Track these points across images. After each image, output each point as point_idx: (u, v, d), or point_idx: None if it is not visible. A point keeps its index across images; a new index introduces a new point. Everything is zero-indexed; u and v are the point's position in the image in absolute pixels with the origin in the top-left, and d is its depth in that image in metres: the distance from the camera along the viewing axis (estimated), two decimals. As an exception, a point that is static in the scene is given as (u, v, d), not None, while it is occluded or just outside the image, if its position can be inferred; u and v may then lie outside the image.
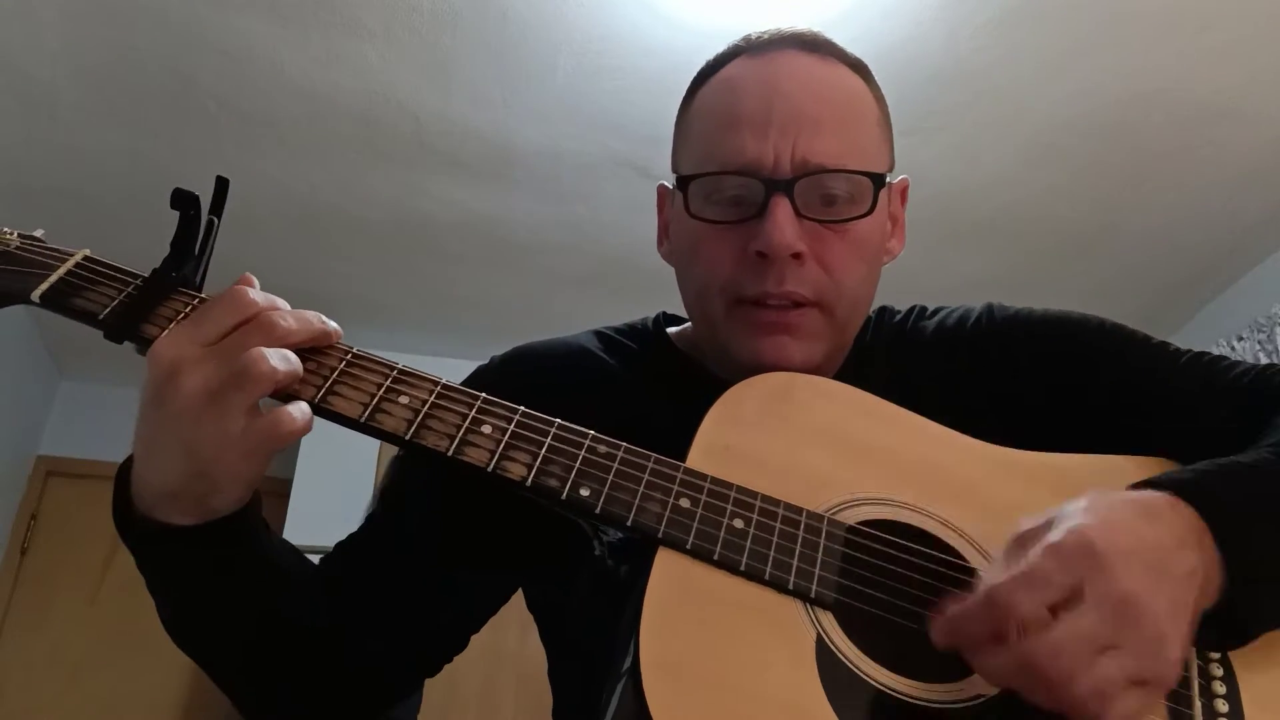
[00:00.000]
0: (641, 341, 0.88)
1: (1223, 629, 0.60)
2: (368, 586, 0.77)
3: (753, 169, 0.74)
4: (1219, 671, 0.62)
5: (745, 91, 0.77)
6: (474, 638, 0.84)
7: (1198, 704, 0.60)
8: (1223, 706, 0.60)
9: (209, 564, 0.66)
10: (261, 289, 0.66)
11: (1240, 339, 3.21)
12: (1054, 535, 0.55)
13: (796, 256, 0.73)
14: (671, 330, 0.90)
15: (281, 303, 0.65)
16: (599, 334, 0.89)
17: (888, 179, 0.79)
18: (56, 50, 2.48)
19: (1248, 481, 0.64)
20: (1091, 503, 0.57)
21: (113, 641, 3.74)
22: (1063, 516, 0.57)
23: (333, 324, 0.67)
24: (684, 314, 0.89)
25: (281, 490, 3.65)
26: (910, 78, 2.52)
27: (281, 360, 0.61)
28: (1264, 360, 3.07)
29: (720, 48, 0.86)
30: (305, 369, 0.64)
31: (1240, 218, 3.06)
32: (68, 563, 3.86)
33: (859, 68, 0.82)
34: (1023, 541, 0.56)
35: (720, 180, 0.75)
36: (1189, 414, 0.76)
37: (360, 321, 3.78)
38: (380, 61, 2.52)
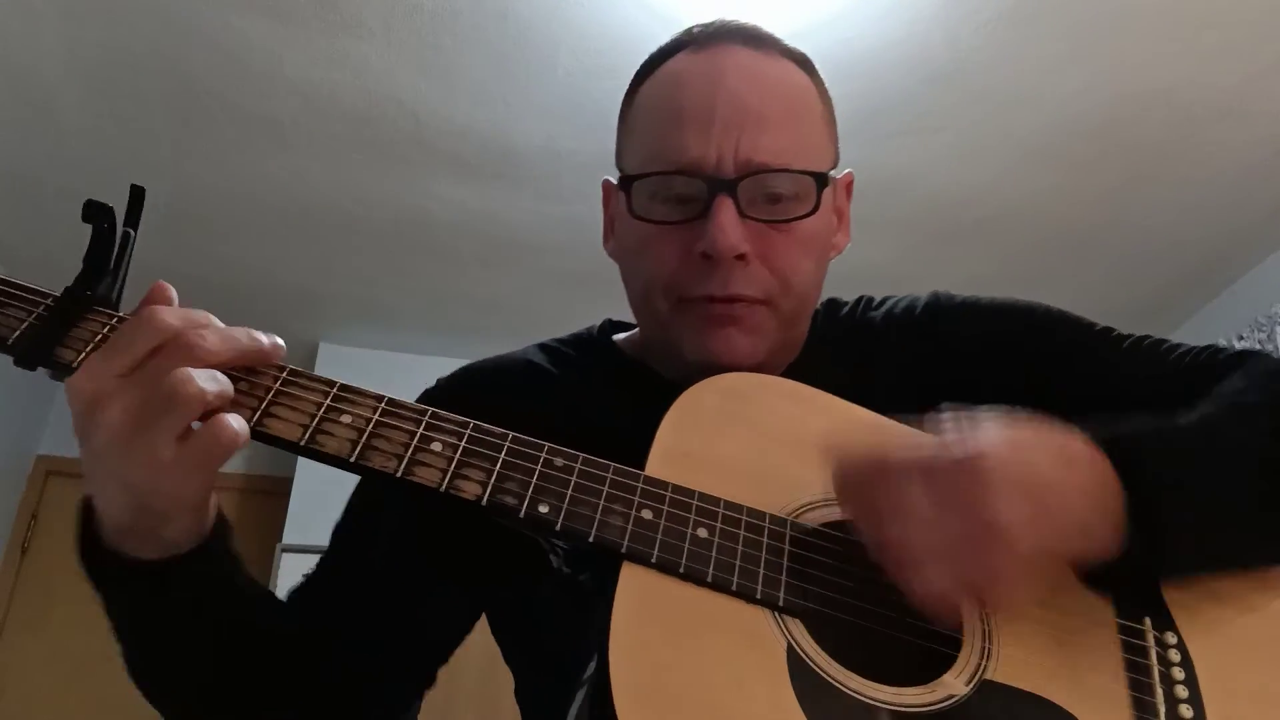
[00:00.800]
0: (587, 350, 0.88)
1: (1116, 578, 0.63)
2: (333, 609, 0.76)
3: (695, 168, 0.73)
4: (1176, 658, 0.63)
5: (689, 87, 0.76)
6: (473, 639, 0.83)
7: (1159, 690, 0.61)
8: (1182, 692, 0.61)
9: (171, 607, 0.64)
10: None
11: (1240, 338, 3.22)
12: (966, 442, 0.57)
13: (742, 258, 0.72)
14: (618, 336, 0.89)
15: (203, 317, 0.60)
16: (543, 347, 0.88)
17: (831, 175, 0.79)
18: (56, 50, 2.48)
19: (1172, 444, 0.65)
20: (1013, 433, 0.59)
21: (112, 642, 3.74)
22: (985, 429, 0.59)
23: (269, 339, 0.61)
24: (631, 318, 0.89)
25: (281, 490, 3.65)
26: (910, 78, 2.52)
27: (210, 380, 0.56)
28: (1264, 360, 3.07)
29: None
30: (237, 390, 0.59)
31: (1240, 217, 3.07)
32: (68, 563, 3.74)
33: (804, 63, 0.81)
34: (949, 430, 0.59)
35: (665, 180, 0.74)
36: (1137, 399, 0.76)
37: (360, 321, 3.79)
38: (380, 61, 2.53)
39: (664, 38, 0.86)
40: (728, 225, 0.71)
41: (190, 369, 0.56)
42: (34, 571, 3.84)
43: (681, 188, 0.74)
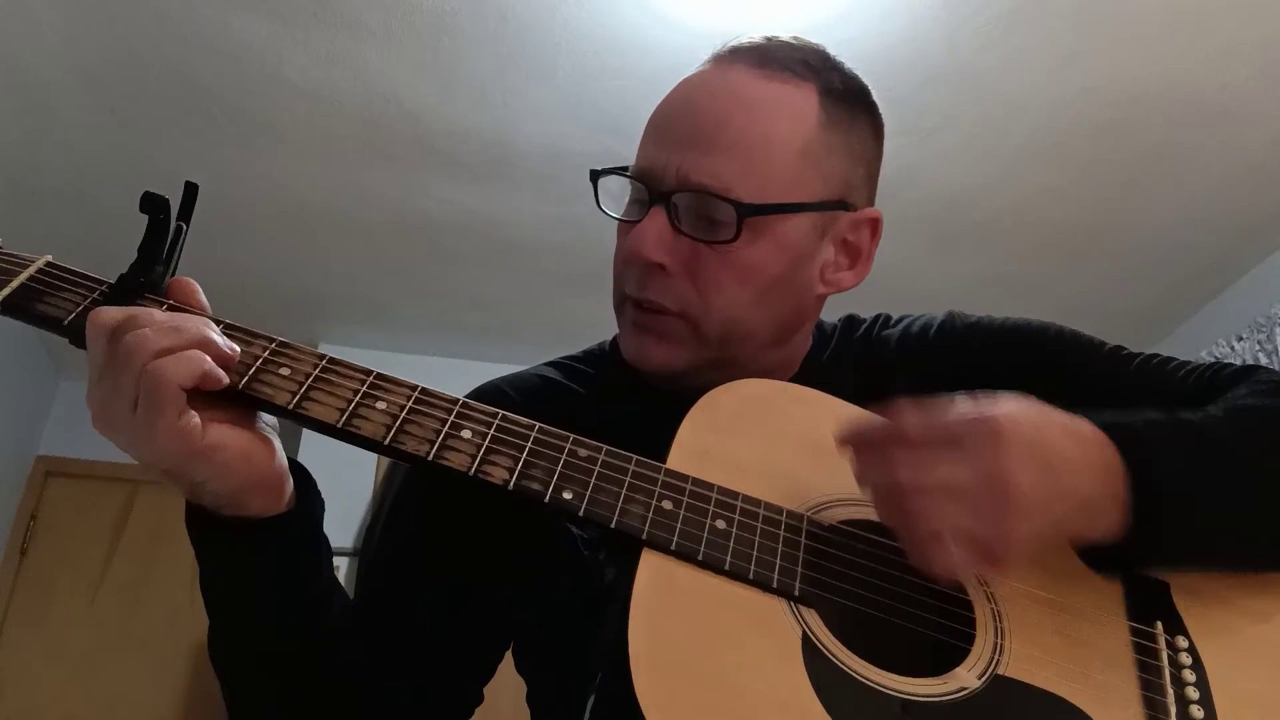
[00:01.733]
0: (598, 364, 0.89)
1: (1109, 562, 0.66)
2: (385, 639, 0.75)
3: (644, 175, 0.77)
4: (1188, 660, 0.64)
5: (669, 100, 0.80)
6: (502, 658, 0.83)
7: (1170, 691, 0.62)
8: (1193, 694, 0.62)
9: (259, 566, 0.65)
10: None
11: (1240, 339, 3.22)
12: (980, 407, 0.61)
13: (661, 267, 0.75)
14: None
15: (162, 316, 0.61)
16: (555, 364, 0.90)
17: (840, 209, 0.78)
18: (56, 50, 2.48)
19: (1179, 438, 0.67)
20: (1029, 406, 0.62)
21: (113, 641, 3.74)
22: (1000, 401, 0.61)
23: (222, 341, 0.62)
24: None
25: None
26: (910, 78, 2.52)
27: (158, 335, 0.58)
28: (1263, 360, 3.07)
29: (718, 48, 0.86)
30: (278, 374, 0.63)
31: (1240, 217, 3.07)
32: (67, 563, 3.87)
33: (829, 91, 0.79)
34: (963, 403, 0.61)
35: (618, 179, 0.80)
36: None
37: (360, 321, 3.79)
38: (380, 61, 2.53)
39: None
40: (647, 233, 0.75)
41: (161, 360, 0.58)
42: (34, 571, 3.85)
43: (635, 192, 0.79)
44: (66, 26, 2.41)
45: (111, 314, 0.60)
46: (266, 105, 2.67)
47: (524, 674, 0.84)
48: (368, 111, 2.69)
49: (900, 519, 0.59)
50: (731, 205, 0.74)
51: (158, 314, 0.60)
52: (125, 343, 0.58)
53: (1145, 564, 0.67)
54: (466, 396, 0.85)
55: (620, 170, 0.79)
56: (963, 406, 0.61)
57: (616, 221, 0.81)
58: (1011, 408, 0.61)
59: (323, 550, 0.70)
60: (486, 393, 0.85)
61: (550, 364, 0.90)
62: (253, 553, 0.65)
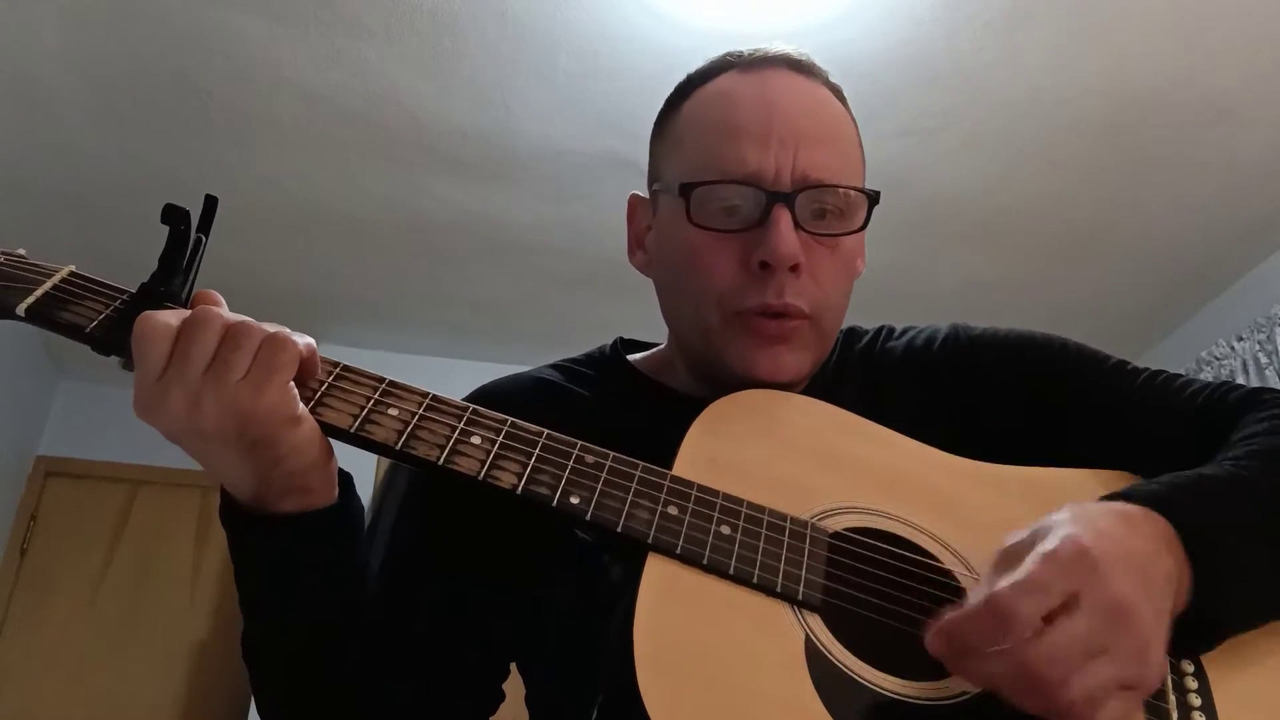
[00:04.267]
0: (602, 368, 0.89)
1: (1193, 635, 0.62)
2: (400, 638, 0.75)
3: (755, 179, 0.75)
4: (1190, 668, 0.64)
5: (743, 105, 0.78)
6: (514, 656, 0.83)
7: (1171, 697, 0.62)
8: (1196, 700, 0.62)
9: (310, 556, 0.66)
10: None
11: (1240, 339, 3.22)
12: (1049, 543, 0.56)
13: (796, 268, 0.75)
14: (633, 356, 0.90)
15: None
16: (557, 367, 0.90)
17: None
18: (56, 50, 2.48)
19: (1213, 493, 0.67)
20: (1075, 513, 0.59)
21: (113, 641, 3.74)
22: (1052, 526, 0.58)
23: (304, 340, 0.65)
24: (640, 340, 0.91)
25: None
26: (910, 78, 2.52)
27: (271, 326, 0.62)
28: (1263, 360, 3.07)
29: (718, 48, 0.86)
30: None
31: (1240, 218, 3.07)
32: (67, 563, 3.87)
33: (838, 92, 0.84)
34: (1014, 552, 0.57)
35: (716, 189, 0.76)
36: (1147, 433, 0.79)
37: (360, 321, 3.79)
38: (380, 62, 2.53)
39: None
40: (788, 234, 0.74)
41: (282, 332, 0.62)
42: (34, 571, 3.85)
43: (735, 199, 0.76)
44: (66, 26, 2.41)
45: (212, 297, 0.64)
46: (266, 105, 2.67)
47: (525, 675, 0.84)
48: (368, 112, 2.69)
49: (1047, 699, 0.53)
50: (864, 194, 0.78)
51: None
52: (241, 322, 0.61)
53: (1217, 623, 0.64)
54: (465, 397, 0.86)
55: (726, 181, 0.76)
56: (1028, 545, 0.57)
57: (709, 233, 0.76)
58: (1077, 527, 0.57)
59: (363, 542, 0.72)
60: (487, 393, 0.86)
61: (552, 366, 0.90)
62: (317, 539, 0.66)
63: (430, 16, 2.39)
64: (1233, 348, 3.23)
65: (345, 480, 0.69)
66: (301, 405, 0.63)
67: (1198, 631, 0.62)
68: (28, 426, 3.97)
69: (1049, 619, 0.53)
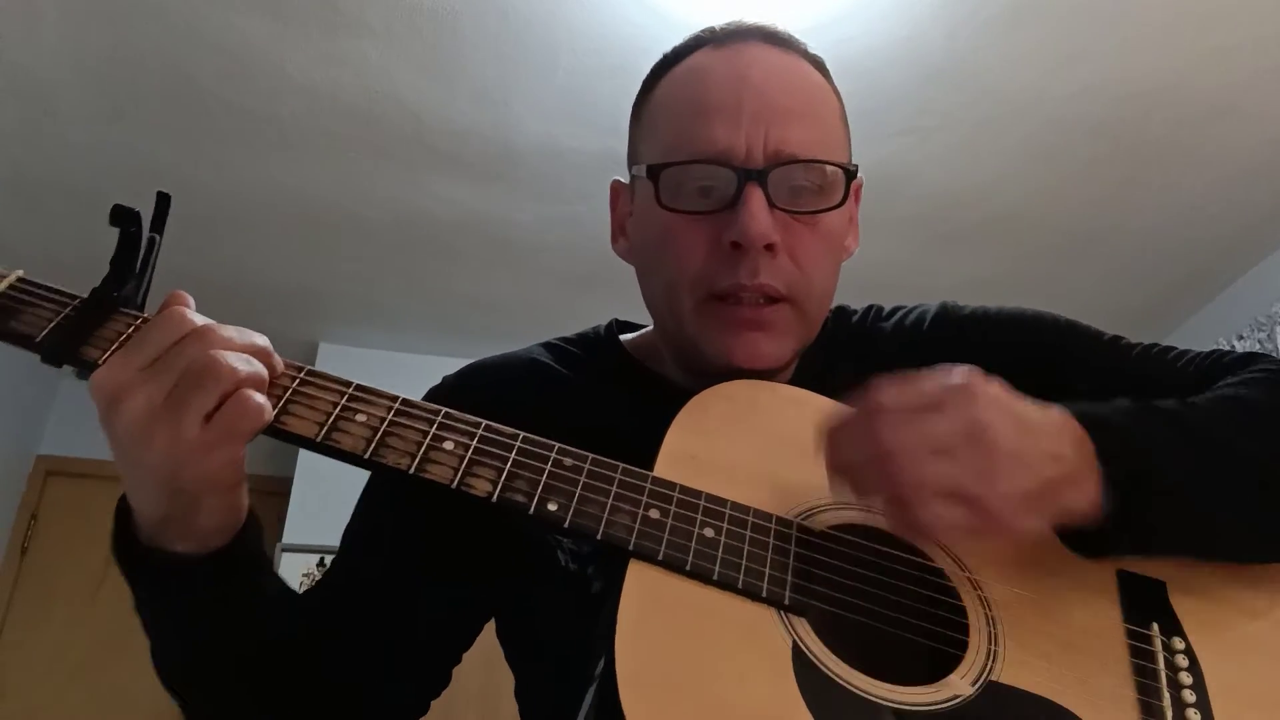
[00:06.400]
0: (593, 349, 0.87)
1: (1123, 534, 0.63)
2: (341, 609, 0.76)
3: (725, 158, 0.72)
4: (1184, 663, 0.63)
5: (713, 81, 0.76)
6: (474, 640, 0.83)
7: (1166, 695, 0.61)
8: (1190, 696, 0.61)
9: (205, 601, 0.64)
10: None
11: (1240, 338, 3.22)
12: (945, 376, 0.59)
13: (770, 248, 0.72)
14: (626, 337, 0.88)
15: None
16: (548, 345, 0.88)
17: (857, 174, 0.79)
18: (56, 48, 2.48)
19: (1142, 411, 0.66)
20: (989, 376, 0.60)
21: (113, 641, 3.74)
22: (961, 371, 0.60)
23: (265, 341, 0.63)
24: (638, 320, 0.88)
25: (282, 490, 3.65)
26: (909, 76, 2.52)
27: (243, 361, 0.58)
28: (1264, 359, 3.07)
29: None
30: None
31: (1240, 216, 3.07)
32: (68, 563, 3.86)
33: (819, 64, 0.81)
34: (932, 373, 0.60)
35: (688, 170, 0.73)
36: None
37: (360, 321, 3.79)
38: (381, 60, 2.53)
39: (664, 37, 0.85)
40: (759, 212, 0.71)
41: (221, 350, 0.58)
42: (34, 571, 3.85)
43: (707, 179, 0.73)
44: (66, 24, 2.41)
45: (190, 313, 0.60)
46: (268, 104, 2.67)
47: (514, 667, 0.84)
48: (369, 110, 2.69)
49: (881, 482, 0.57)
50: (840, 169, 0.75)
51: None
52: (212, 360, 0.57)
53: (1127, 540, 0.64)
54: (455, 372, 0.85)
55: (693, 161, 0.73)
56: (934, 376, 0.60)
57: (680, 215, 0.74)
58: (980, 376, 0.60)
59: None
60: (477, 368, 0.85)
61: (544, 345, 0.88)
62: (244, 570, 0.65)
63: (432, 15, 2.39)
64: (1233, 346, 3.23)
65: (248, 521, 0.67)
66: (242, 472, 0.60)
67: (1126, 530, 0.63)
68: (28, 426, 3.97)
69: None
